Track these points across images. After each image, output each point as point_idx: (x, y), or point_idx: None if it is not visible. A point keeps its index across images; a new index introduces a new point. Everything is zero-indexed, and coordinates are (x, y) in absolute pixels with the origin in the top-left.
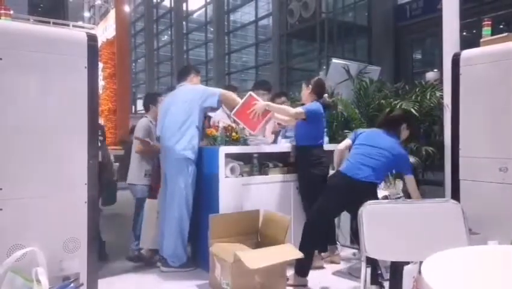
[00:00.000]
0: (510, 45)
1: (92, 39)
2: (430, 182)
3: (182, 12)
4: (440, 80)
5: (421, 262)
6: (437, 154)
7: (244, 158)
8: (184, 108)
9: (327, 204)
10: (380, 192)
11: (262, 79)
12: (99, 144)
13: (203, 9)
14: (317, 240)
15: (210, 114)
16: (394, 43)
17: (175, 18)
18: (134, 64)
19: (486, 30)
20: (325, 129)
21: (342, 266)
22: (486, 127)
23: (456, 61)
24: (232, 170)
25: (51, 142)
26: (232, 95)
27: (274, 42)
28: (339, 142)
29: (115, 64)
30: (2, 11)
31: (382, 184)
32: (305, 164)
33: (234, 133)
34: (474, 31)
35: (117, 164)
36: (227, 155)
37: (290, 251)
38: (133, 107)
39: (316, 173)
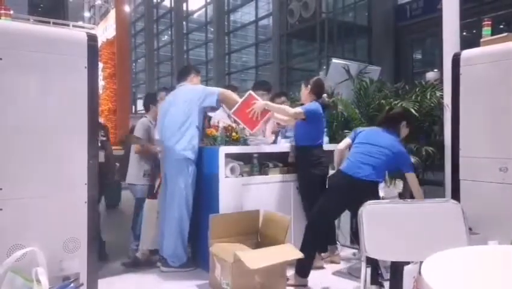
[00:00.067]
0: (510, 45)
1: (92, 39)
2: (430, 182)
3: (182, 12)
4: (440, 80)
5: (421, 262)
6: (437, 154)
7: (244, 158)
8: (184, 108)
9: (328, 204)
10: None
11: (262, 80)
12: (103, 144)
13: (204, 9)
14: (318, 241)
15: (210, 114)
16: (394, 43)
17: (175, 18)
18: (134, 64)
19: (486, 30)
20: (325, 129)
21: (342, 266)
22: (486, 127)
23: (456, 61)
24: (232, 170)
25: (51, 142)
26: (232, 94)
27: (275, 42)
28: (339, 142)
29: (115, 64)
30: (2, 11)
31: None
32: (304, 164)
33: (234, 133)
34: (474, 31)
35: (117, 164)
36: (227, 155)
37: (290, 251)
38: (133, 107)
39: (316, 173)
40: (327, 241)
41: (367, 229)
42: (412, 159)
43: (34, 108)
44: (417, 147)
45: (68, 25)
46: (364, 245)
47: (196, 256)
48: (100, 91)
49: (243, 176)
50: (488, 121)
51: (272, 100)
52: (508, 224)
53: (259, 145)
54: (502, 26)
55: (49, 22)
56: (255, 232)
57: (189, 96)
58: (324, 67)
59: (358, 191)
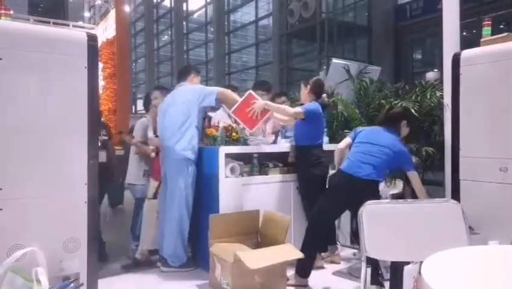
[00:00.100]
0: (510, 45)
1: (92, 39)
2: (430, 182)
3: (182, 12)
4: (440, 80)
5: (421, 262)
6: (437, 154)
7: (244, 158)
8: (183, 108)
9: (329, 204)
10: None
11: (262, 80)
12: (105, 144)
13: (204, 9)
14: (318, 241)
15: (210, 113)
16: (394, 43)
17: (175, 18)
18: (134, 64)
19: (486, 30)
20: (325, 129)
21: (342, 266)
22: (486, 127)
23: (456, 61)
24: (232, 170)
25: (51, 142)
26: (231, 93)
27: (275, 42)
28: (339, 142)
29: (115, 64)
30: (2, 11)
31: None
32: (304, 164)
33: (234, 133)
34: (474, 31)
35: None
36: (227, 155)
37: (290, 251)
38: (133, 107)
39: (316, 173)
40: (328, 241)
41: (367, 229)
42: (412, 159)
43: (34, 108)
44: (417, 147)
45: (68, 25)
46: (364, 245)
47: (196, 256)
48: (100, 91)
49: (243, 176)
50: (488, 121)
51: (272, 100)
52: (508, 224)
53: (259, 145)
54: (502, 26)
55: (49, 22)
56: (255, 232)
57: (188, 96)
58: (324, 67)
59: (359, 190)
